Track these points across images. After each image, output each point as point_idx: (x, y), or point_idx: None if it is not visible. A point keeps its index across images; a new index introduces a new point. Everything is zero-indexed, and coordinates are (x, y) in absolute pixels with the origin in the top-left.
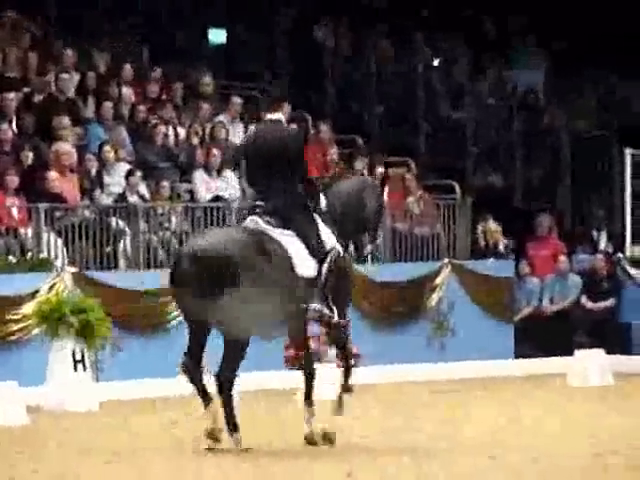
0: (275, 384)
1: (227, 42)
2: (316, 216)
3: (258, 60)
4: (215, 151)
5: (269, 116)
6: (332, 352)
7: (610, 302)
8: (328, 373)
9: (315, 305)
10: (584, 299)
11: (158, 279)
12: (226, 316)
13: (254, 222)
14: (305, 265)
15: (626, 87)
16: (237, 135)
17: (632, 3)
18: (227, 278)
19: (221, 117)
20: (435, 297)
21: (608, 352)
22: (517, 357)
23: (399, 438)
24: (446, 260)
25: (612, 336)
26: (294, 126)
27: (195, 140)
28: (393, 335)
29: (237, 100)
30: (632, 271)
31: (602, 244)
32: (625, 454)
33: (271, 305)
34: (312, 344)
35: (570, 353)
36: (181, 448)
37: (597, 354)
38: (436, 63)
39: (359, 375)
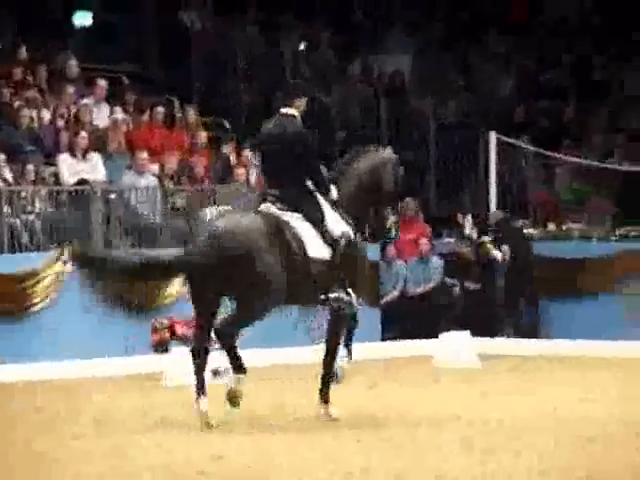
0: (141, 369)
1: (92, 24)
2: (324, 203)
3: (124, 43)
4: (80, 134)
5: (283, 110)
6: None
7: (478, 286)
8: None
9: (335, 294)
10: (449, 282)
11: (20, 262)
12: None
13: (267, 208)
14: (316, 248)
15: (492, 72)
16: (102, 118)
17: None
18: (243, 260)
19: (86, 100)
20: None
21: (475, 334)
22: (384, 340)
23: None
24: None
25: (479, 318)
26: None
27: (60, 123)
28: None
29: (102, 83)
30: (496, 254)
31: (467, 228)
32: (489, 437)
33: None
34: (182, 329)
35: (436, 336)
36: (44, 431)
37: (462, 336)
38: (302, 47)
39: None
